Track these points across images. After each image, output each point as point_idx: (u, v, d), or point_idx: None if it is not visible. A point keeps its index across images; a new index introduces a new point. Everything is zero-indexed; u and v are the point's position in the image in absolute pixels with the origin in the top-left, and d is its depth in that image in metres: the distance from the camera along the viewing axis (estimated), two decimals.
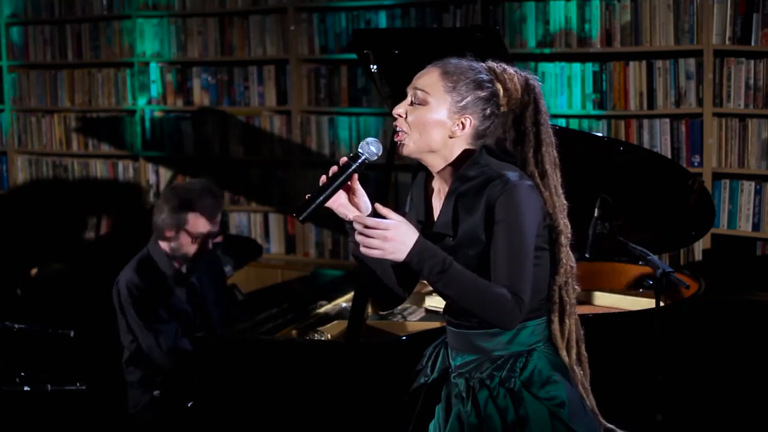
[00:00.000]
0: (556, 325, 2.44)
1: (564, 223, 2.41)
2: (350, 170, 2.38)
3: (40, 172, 6.32)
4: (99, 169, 6.13)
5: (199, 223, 3.93)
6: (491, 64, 2.47)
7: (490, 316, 2.31)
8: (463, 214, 2.38)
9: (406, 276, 2.53)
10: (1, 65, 6.36)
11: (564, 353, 2.44)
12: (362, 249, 2.28)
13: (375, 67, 3.47)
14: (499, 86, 2.44)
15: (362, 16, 5.28)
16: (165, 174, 5.96)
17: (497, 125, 2.44)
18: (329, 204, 2.40)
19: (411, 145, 2.42)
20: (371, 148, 2.40)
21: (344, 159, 2.39)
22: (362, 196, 2.44)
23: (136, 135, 5.97)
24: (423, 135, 2.41)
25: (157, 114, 5.93)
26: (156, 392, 3.90)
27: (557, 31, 4.82)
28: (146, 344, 3.86)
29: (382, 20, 5.23)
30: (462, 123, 2.41)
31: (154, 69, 5.90)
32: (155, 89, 5.91)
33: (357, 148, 2.41)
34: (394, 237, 2.26)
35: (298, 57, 5.45)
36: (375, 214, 2.34)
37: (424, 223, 2.51)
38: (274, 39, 5.52)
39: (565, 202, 2.44)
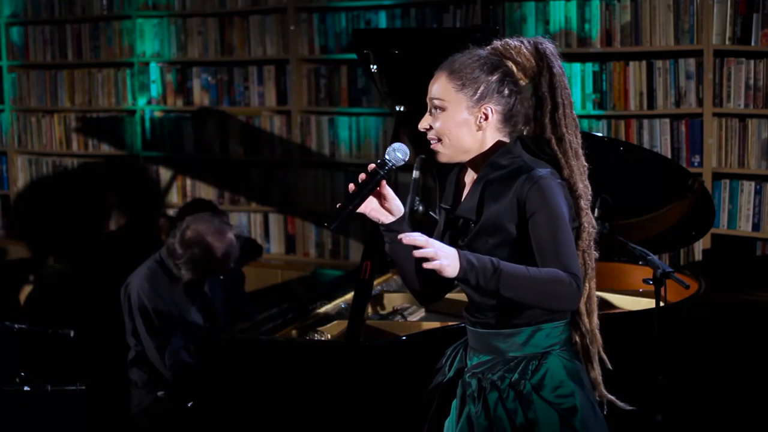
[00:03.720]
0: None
1: (583, 186, 2.40)
2: (377, 178, 2.38)
3: (40, 172, 6.32)
4: (99, 169, 6.13)
5: (218, 265, 3.97)
6: (495, 43, 2.45)
7: (551, 299, 2.26)
8: (489, 201, 2.38)
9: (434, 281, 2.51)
10: (1, 65, 6.37)
11: (586, 318, 2.42)
12: (427, 264, 2.20)
13: (375, 67, 3.47)
14: (509, 63, 2.42)
15: (362, 16, 5.28)
16: (165, 174, 5.96)
17: (521, 101, 2.43)
18: (361, 210, 2.40)
19: (446, 152, 2.42)
20: (397, 155, 2.40)
21: (372, 166, 2.39)
22: (393, 200, 2.44)
23: (136, 135, 5.97)
24: (453, 139, 2.40)
25: (157, 114, 5.93)
26: (160, 393, 3.91)
27: (557, 31, 4.82)
28: (151, 354, 3.88)
29: (382, 20, 5.23)
30: (484, 113, 2.40)
31: (154, 69, 5.90)
32: (155, 89, 5.91)
33: (384, 153, 2.41)
34: (443, 250, 2.21)
35: (298, 57, 5.45)
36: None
37: (450, 210, 2.50)
38: (274, 39, 5.52)
39: (586, 164, 2.42)
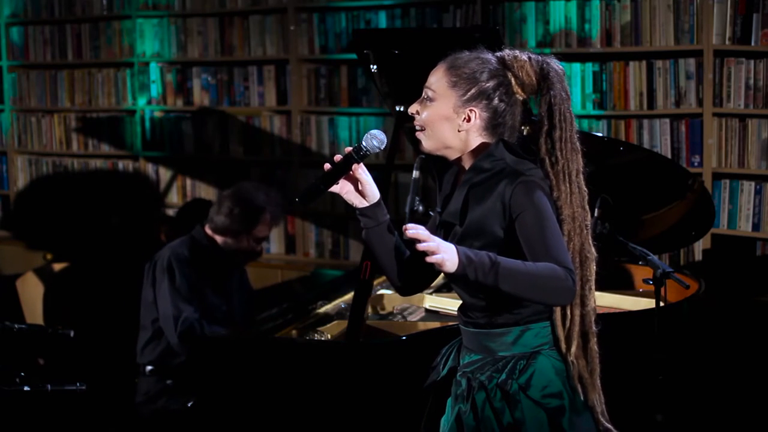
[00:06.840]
0: (557, 314, 2.40)
1: (573, 212, 2.36)
2: (351, 162, 2.43)
3: (40, 172, 6.32)
4: (99, 169, 6.13)
5: (260, 230, 4.09)
6: (503, 53, 2.46)
7: (548, 293, 2.24)
8: (473, 205, 2.39)
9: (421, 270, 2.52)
10: (1, 65, 6.37)
11: (563, 345, 2.40)
12: (429, 258, 2.20)
13: (375, 67, 3.47)
14: (509, 75, 2.43)
15: (362, 16, 5.28)
16: (165, 174, 5.96)
17: (513, 114, 2.44)
18: (337, 191, 2.46)
19: (428, 142, 2.46)
20: (373, 142, 2.44)
21: (348, 149, 2.44)
22: (368, 185, 2.47)
23: (136, 135, 5.97)
24: (434, 131, 2.43)
25: (157, 114, 5.93)
26: (169, 381, 3.95)
27: (557, 31, 4.82)
28: (164, 313, 3.93)
29: (382, 20, 5.23)
30: (467, 116, 2.41)
31: (154, 69, 5.90)
32: (155, 89, 5.91)
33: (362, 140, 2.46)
34: (443, 245, 2.21)
35: (298, 57, 5.45)
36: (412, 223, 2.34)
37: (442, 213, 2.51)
38: (274, 39, 5.52)
39: (585, 189, 2.40)
